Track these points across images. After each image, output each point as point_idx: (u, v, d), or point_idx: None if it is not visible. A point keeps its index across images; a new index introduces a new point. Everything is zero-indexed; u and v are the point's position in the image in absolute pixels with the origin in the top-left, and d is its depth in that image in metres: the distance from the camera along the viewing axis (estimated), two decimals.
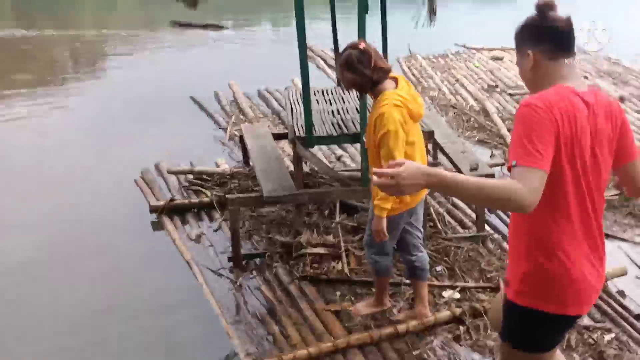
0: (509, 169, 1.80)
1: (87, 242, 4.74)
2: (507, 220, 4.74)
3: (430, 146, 5.24)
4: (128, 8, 22.29)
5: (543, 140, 1.77)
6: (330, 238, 4.37)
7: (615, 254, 4.32)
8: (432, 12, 3.78)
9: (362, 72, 3.10)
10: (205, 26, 15.05)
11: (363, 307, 3.65)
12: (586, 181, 1.90)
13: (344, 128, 4.44)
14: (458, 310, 3.56)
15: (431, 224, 4.58)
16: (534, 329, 1.99)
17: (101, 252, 4.58)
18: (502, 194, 1.71)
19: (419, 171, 1.73)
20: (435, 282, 3.90)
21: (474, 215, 4.66)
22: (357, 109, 4.63)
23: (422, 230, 3.52)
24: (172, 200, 5.15)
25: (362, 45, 3.13)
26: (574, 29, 1.95)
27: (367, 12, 3.94)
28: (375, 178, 1.75)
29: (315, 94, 5.12)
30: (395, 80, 3.18)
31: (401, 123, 3.03)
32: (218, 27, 15.50)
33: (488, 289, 3.85)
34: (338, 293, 3.85)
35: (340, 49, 5.42)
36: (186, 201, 5.19)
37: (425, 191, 3.33)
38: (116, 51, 12.95)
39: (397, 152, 3.03)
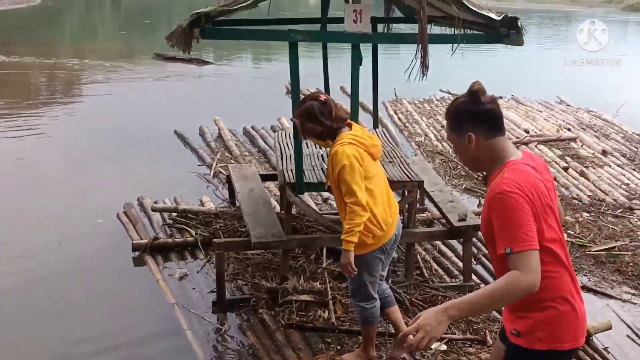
0: (502, 256, 2.03)
1: (66, 278, 4.70)
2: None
3: (418, 194, 5.34)
4: (110, 38, 22.47)
5: (527, 222, 2.01)
6: (317, 284, 4.39)
7: (603, 311, 4.41)
8: (424, 66, 3.94)
9: (323, 122, 3.27)
10: (189, 60, 15.22)
11: (350, 358, 3.66)
12: (561, 233, 2.18)
13: None
14: None
15: (418, 272, 4.65)
16: None
17: (81, 290, 4.55)
18: (509, 291, 1.97)
19: (435, 313, 1.95)
20: None
21: (460, 264, 4.74)
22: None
23: (386, 268, 3.59)
24: (155, 238, 5.14)
25: (322, 97, 3.32)
26: (501, 110, 2.20)
27: (361, 64, 4.09)
28: (410, 337, 1.92)
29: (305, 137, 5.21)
30: (350, 125, 3.38)
31: (356, 158, 3.18)
32: (202, 62, 15.69)
33: (475, 342, 3.90)
34: (324, 342, 3.86)
35: (331, 89, 5.65)
36: (170, 240, 5.19)
37: (397, 221, 3.43)
38: (98, 81, 13.00)
39: (355, 185, 3.16)
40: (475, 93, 2.15)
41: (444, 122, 9.09)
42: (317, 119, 3.27)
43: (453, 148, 2.31)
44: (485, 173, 2.31)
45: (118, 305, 4.39)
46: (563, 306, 2.13)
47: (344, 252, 3.25)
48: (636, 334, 4.16)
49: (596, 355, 3.80)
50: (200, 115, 9.22)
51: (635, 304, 4.58)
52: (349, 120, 3.43)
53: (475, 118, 2.15)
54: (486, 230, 2.15)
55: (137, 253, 5.01)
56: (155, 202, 5.90)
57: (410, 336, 1.92)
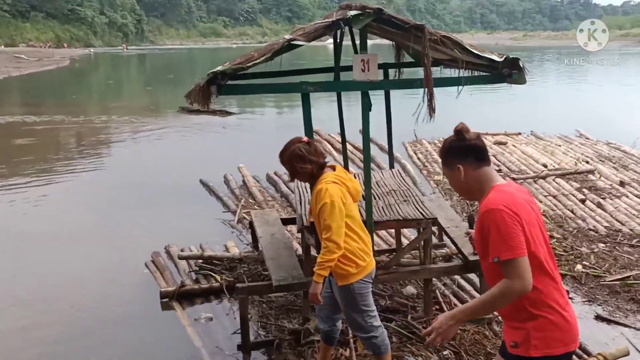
0: (493, 265, 2.32)
1: (98, 328, 4.87)
2: None
3: (435, 229, 5.47)
4: (136, 95, 23.27)
5: (514, 232, 2.29)
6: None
7: (618, 340, 4.44)
8: (431, 108, 4.13)
9: (312, 160, 3.52)
10: (213, 112, 15.65)
11: None
12: (547, 247, 2.44)
13: None
14: None
15: (437, 307, 4.73)
16: None
17: (112, 338, 4.70)
18: (503, 296, 2.29)
19: (445, 317, 2.37)
20: None
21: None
22: (363, 196, 4.87)
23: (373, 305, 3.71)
24: (182, 285, 5.33)
25: (305, 139, 3.60)
26: (485, 144, 2.53)
27: (370, 110, 4.29)
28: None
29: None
30: (333, 167, 3.62)
31: (339, 197, 3.40)
32: (226, 113, 16.16)
33: None
34: None
35: (351, 132, 5.85)
36: (196, 286, 5.37)
37: (373, 261, 3.62)
38: (125, 136, 13.51)
39: (334, 223, 3.36)
40: (459, 132, 2.49)
41: None
42: (305, 159, 3.50)
43: (449, 182, 2.62)
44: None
45: (147, 352, 4.53)
46: (552, 315, 2.37)
47: (312, 283, 3.46)
48: None
49: None
50: (225, 164, 9.55)
51: None
52: (332, 164, 3.69)
53: (461, 152, 2.48)
54: (479, 247, 2.44)
55: (165, 300, 5.19)
56: (182, 250, 6.12)
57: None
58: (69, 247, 6.63)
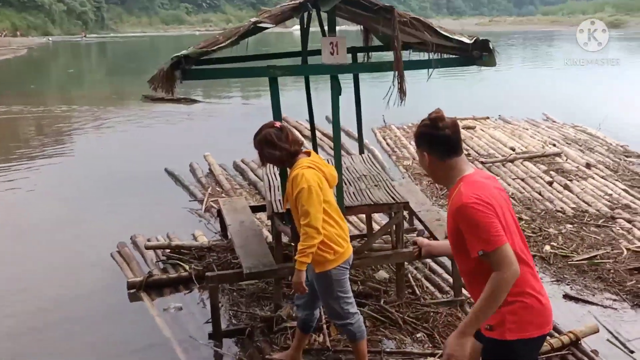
0: (475, 259, 2.34)
1: (64, 320, 4.77)
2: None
3: (406, 214, 5.50)
4: (97, 84, 22.79)
5: (492, 223, 2.31)
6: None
7: (585, 317, 4.56)
8: (402, 92, 4.12)
9: (281, 147, 3.49)
10: (178, 100, 15.49)
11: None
12: (520, 235, 2.48)
13: None
14: None
15: (409, 290, 4.76)
16: (523, 354, 2.47)
17: (78, 330, 4.61)
18: (500, 290, 2.30)
19: (454, 337, 2.37)
20: (416, 350, 4.05)
21: (451, 280, 4.86)
22: None
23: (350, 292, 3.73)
24: (150, 275, 5.24)
25: (277, 124, 3.57)
26: (459, 131, 2.50)
27: (340, 94, 4.25)
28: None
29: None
30: (309, 153, 3.61)
31: (316, 182, 3.40)
32: (191, 101, 15.97)
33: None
34: None
35: (318, 119, 5.83)
36: (164, 276, 5.29)
37: (350, 248, 3.63)
38: (87, 126, 13.21)
39: (312, 208, 3.35)
40: (433, 120, 2.47)
41: None
42: (275, 145, 3.49)
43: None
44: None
45: (115, 343, 4.45)
46: (528, 299, 2.42)
47: (296, 272, 3.43)
48: (616, 338, 4.28)
49: (585, 358, 3.93)
50: (190, 152, 9.41)
51: (616, 309, 4.71)
52: (308, 149, 3.67)
53: (430, 141, 2.49)
54: (454, 240, 2.45)
55: (132, 290, 5.10)
56: (148, 240, 6.02)
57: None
58: (32, 239, 6.47)
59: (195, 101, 16.07)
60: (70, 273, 5.60)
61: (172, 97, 15.91)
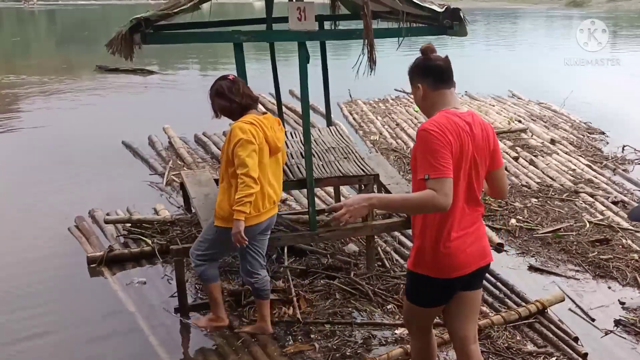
0: (421, 181, 2.46)
1: (21, 297, 4.68)
2: None
3: (375, 187, 5.55)
4: (47, 53, 22.05)
5: (443, 154, 2.45)
6: (280, 283, 4.55)
7: (550, 288, 4.76)
8: (371, 60, 4.11)
9: (231, 99, 3.64)
10: (133, 71, 15.15)
11: (204, 322, 4.07)
12: (470, 180, 2.60)
13: (289, 174, 4.62)
14: (409, 347, 3.78)
15: (379, 263, 4.85)
16: (424, 290, 2.75)
17: (39, 310, 4.50)
18: (423, 202, 2.43)
19: (359, 197, 2.49)
20: (387, 321, 4.14)
21: None
22: (301, 153, 4.86)
23: (263, 251, 3.90)
24: (111, 250, 5.18)
25: (231, 77, 3.71)
26: (451, 66, 2.67)
27: (308, 62, 4.22)
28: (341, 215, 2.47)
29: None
30: (264, 113, 3.76)
31: (253, 136, 3.52)
32: (147, 72, 15.64)
33: (437, 326, 4.10)
34: (292, 335, 4.01)
35: (282, 94, 5.81)
36: (126, 251, 5.23)
37: (275, 210, 3.81)
38: (37, 97, 12.80)
39: (248, 158, 3.48)
40: (424, 52, 2.67)
41: (399, 120, 9.49)
42: (225, 96, 3.64)
43: (414, 102, 2.81)
44: None
45: (78, 318, 4.39)
46: (436, 240, 2.59)
47: (234, 223, 3.53)
48: (578, 307, 4.49)
49: (552, 326, 4.11)
50: (149, 125, 9.25)
51: (579, 279, 4.93)
52: (265, 111, 3.80)
53: (422, 71, 2.66)
54: (413, 162, 2.61)
55: (93, 265, 5.03)
56: (107, 214, 5.93)
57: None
58: None
59: (151, 72, 15.74)
60: (24, 250, 5.45)
61: (127, 68, 15.53)
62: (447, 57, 2.67)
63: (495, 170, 2.76)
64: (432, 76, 2.63)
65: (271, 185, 3.73)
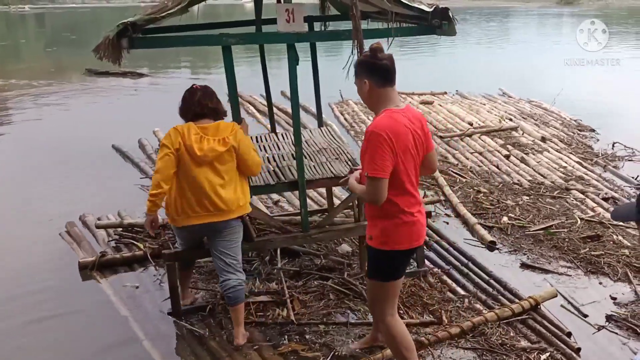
0: (362, 177, 3.00)
1: (12, 304, 4.66)
2: (445, 254, 5.13)
3: None
4: (37, 57, 21.96)
5: (385, 157, 2.87)
6: (274, 285, 4.56)
7: (541, 284, 4.80)
8: None
9: (186, 106, 3.89)
10: (123, 74, 15.13)
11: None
12: (410, 168, 3.01)
13: (281, 176, 4.60)
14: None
15: None
16: (392, 264, 3.13)
17: (30, 317, 4.49)
18: (364, 194, 3.00)
19: (353, 175, 3.18)
20: None
21: None
22: (292, 155, 4.86)
23: (229, 255, 3.95)
24: (103, 255, 5.16)
25: (195, 86, 3.97)
26: (395, 66, 2.98)
27: (297, 64, 4.23)
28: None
29: None
30: (221, 119, 3.93)
31: (171, 143, 3.73)
32: (137, 75, 15.62)
33: (431, 325, 4.13)
34: (286, 336, 4.02)
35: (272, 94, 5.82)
36: (118, 255, 5.22)
37: (221, 217, 3.85)
38: (26, 101, 12.76)
39: (160, 161, 3.74)
40: (374, 51, 2.94)
41: None
42: (183, 100, 3.93)
43: (357, 92, 3.10)
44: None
45: (71, 324, 4.38)
46: (405, 217, 3.01)
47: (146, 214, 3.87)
48: (570, 303, 4.52)
49: (545, 322, 4.14)
50: (139, 128, 9.23)
51: (570, 276, 4.96)
52: (222, 120, 3.93)
53: (371, 69, 2.96)
54: (362, 158, 2.97)
55: (85, 271, 5.02)
56: (98, 219, 5.92)
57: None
58: None
59: (141, 75, 15.73)
60: (15, 255, 5.44)
61: (117, 71, 15.52)
62: (391, 56, 2.95)
63: (428, 154, 3.15)
64: (378, 75, 2.94)
65: (198, 193, 3.77)
